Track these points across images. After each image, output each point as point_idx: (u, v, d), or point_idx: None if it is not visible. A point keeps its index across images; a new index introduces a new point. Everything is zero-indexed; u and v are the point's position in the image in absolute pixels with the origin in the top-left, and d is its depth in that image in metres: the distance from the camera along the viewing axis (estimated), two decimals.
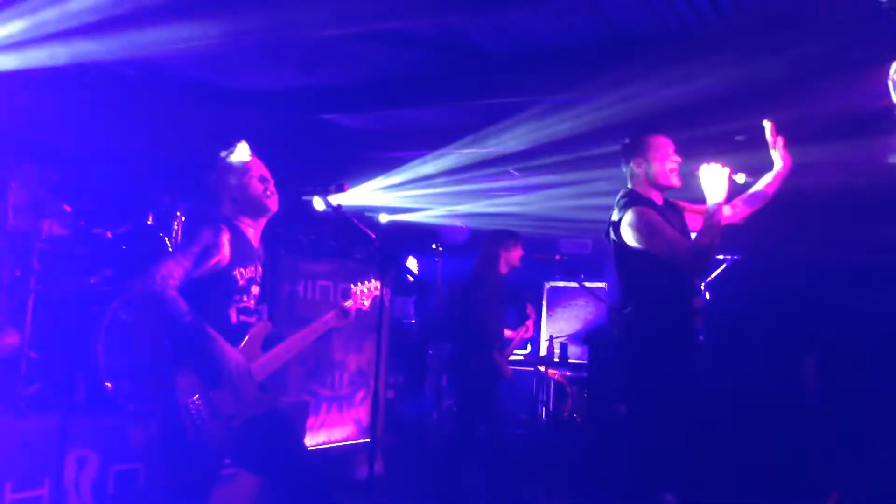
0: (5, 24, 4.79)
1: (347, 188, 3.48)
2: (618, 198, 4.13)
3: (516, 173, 8.55)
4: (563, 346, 8.26)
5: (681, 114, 6.25)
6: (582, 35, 5.24)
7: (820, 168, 6.62)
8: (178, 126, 6.84)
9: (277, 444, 3.50)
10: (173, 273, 3.23)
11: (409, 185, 8.72)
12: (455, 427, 5.90)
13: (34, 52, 5.09)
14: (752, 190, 4.18)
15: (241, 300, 3.48)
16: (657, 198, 4.09)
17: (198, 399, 3.26)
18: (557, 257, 7.36)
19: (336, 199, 3.56)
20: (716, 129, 6.39)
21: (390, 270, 3.67)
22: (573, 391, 8.04)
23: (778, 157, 4.15)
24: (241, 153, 3.60)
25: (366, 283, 3.93)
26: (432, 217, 9.47)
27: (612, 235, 4.05)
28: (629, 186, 4.14)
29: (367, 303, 3.92)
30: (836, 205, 6.99)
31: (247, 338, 3.45)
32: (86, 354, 4.79)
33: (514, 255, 6.07)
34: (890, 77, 3.90)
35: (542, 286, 8.77)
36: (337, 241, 7.20)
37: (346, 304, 3.85)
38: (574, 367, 8.08)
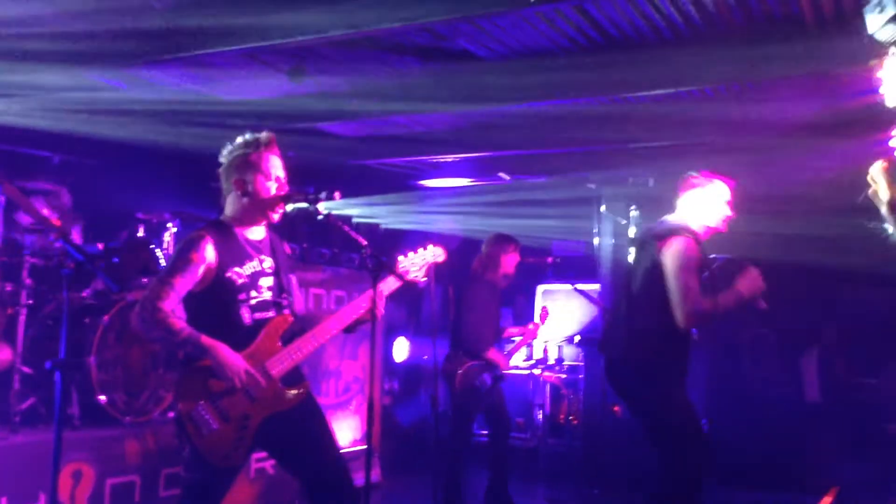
0: None
1: (338, 196, 3.44)
2: (671, 218, 4.37)
3: (506, 176, 8.57)
4: (558, 349, 8.26)
5: (666, 115, 6.28)
6: (572, 39, 5.24)
7: (814, 166, 6.66)
8: (168, 138, 6.84)
9: (305, 439, 3.43)
10: (164, 297, 3.20)
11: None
12: (450, 432, 5.89)
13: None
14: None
15: (249, 298, 3.39)
16: (702, 234, 4.31)
17: (203, 406, 3.23)
18: (550, 260, 7.38)
19: (327, 206, 3.51)
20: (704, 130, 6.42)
21: (383, 276, 3.60)
22: (569, 394, 8.04)
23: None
24: (264, 150, 3.46)
25: (419, 250, 3.73)
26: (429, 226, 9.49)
27: (650, 249, 4.25)
28: (681, 215, 4.37)
29: (421, 274, 3.72)
30: (832, 202, 7.01)
31: (260, 335, 3.38)
32: (79, 368, 4.78)
33: (509, 260, 6.05)
34: (881, 72, 3.91)
35: (535, 289, 8.77)
36: (329, 248, 7.20)
37: (385, 283, 3.59)
38: (569, 369, 8.08)
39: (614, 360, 4.38)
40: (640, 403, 4.31)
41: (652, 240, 4.27)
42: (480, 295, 5.96)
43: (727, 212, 4.35)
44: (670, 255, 4.12)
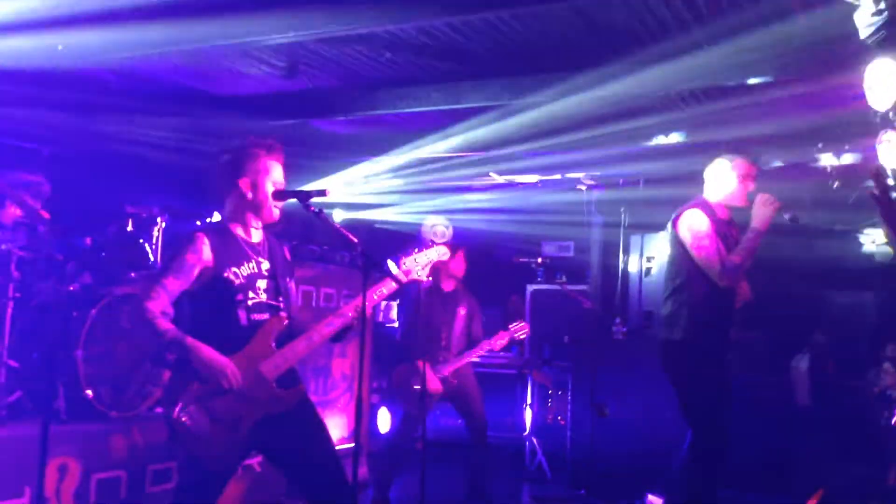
0: None
1: (328, 193, 3.46)
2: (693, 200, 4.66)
3: (497, 177, 8.56)
4: (546, 349, 8.26)
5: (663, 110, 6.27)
6: (565, 35, 5.24)
7: (805, 171, 6.67)
8: (160, 132, 6.81)
9: (301, 441, 3.44)
10: (153, 297, 3.24)
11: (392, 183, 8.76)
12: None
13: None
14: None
15: (247, 299, 3.40)
16: (723, 212, 4.61)
17: (192, 408, 3.22)
18: (540, 260, 7.37)
19: (318, 203, 3.52)
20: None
21: (377, 276, 3.61)
22: (556, 393, 8.05)
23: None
24: (271, 154, 3.52)
25: (423, 250, 3.78)
26: (417, 218, 9.48)
27: (671, 228, 4.61)
28: (703, 194, 4.66)
29: (425, 274, 3.78)
30: (826, 206, 7.03)
31: (255, 336, 3.38)
32: (66, 362, 4.75)
33: (452, 265, 6.09)
34: (865, 81, 3.92)
35: (525, 289, 8.77)
36: (319, 245, 7.19)
37: (379, 289, 3.65)
38: (557, 369, 8.08)
39: (667, 340, 4.58)
40: (681, 380, 4.55)
41: (670, 223, 4.62)
42: (406, 302, 6.20)
43: (747, 187, 4.57)
44: (683, 231, 4.49)
